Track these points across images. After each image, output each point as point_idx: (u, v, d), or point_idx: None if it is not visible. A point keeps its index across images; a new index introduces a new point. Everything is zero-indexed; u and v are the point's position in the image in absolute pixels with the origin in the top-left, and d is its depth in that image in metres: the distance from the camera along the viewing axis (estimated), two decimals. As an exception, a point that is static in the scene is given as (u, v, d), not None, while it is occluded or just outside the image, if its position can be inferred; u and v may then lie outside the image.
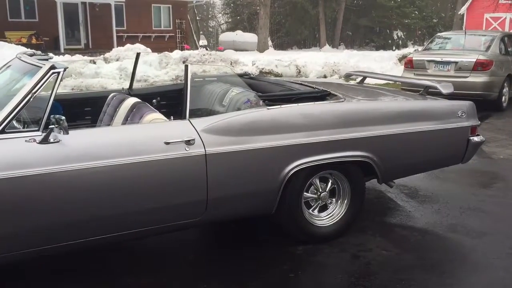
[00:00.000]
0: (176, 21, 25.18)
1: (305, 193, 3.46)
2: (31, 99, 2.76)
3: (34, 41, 19.09)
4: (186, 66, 3.29)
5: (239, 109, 3.53)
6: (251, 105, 3.42)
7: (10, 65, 3.46)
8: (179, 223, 3.13)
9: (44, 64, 2.88)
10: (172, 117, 3.50)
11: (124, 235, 3.02)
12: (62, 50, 18.75)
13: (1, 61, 12.02)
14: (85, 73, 11.40)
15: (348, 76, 5.93)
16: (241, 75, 4.69)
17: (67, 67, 2.98)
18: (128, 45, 14.40)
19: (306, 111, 3.38)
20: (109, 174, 2.81)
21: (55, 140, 2.71)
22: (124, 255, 3.42)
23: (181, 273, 3.15)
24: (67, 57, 14.57)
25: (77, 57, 15.01)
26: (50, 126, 2.68)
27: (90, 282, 3.02)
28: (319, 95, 3.71)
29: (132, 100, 3.70)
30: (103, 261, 3.31)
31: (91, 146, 2.82)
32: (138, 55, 4.56)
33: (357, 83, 5.21)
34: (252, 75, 5.09)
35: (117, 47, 16.90)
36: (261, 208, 3.35)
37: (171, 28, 25.23)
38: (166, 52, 13.09)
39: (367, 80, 5.04)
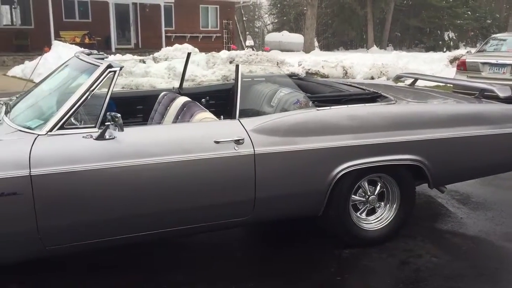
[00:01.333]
0: (223, 21, 25.45)
1: (353, 196, 3.42)
2: (89, 97, 2.86)
3: (87, 40, 19.79)
4: (237, 66, 3.32)
5: (288, 109, 3.53)
6: (300, 106, 3.42)
7: (68, 63, 3.60)
8: (227, 221, 3.16)
9: (102, 63, 2.98)
10: (222, 116, 3.54)
11: (172, 232, 3.08)
12: (113, 50, 19.31)
13: (57, 59, 12.49)
14: (135, 72, 11.70)
15: (398, 78, 5.82)
16: (289, 76, 4.69)
17: (123, 66, 3.07)
18: (176, 45, 14.67)
19: (356, 113, 3.33)
20: (160, 171, 2.88)
21: (111, 137, 2.80)
22: (171, 252, 3.48)
23: (228, 271, 3.18)
24: (118, 56, 14.99)
25: (128, 56, 15.42)
26: (106, 123, 2.77)
27: (135, 278, 3.09)
28: (370, 96, 3.66)
29: (182, 99, 3.77)
30: (149, 257, 3.39)
31: (144, 143, 2.90)
32: (189, 55, 4.65)
33: (407, 85, 5.09)
34: (300, 76, 5.07)
35: (165, 47, 17.28)
36: (308, 209, 3.34)
37: (218, 29, 25.52)
38: (214, 52, 13.25)
39: (418, 83, 4.92)
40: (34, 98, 3.37)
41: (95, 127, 2.82)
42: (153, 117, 4.10)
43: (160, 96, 4.17)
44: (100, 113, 2.84)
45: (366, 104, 3.48)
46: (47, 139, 2.71)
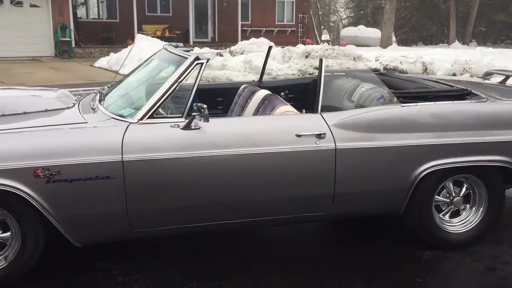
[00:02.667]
0: (299, 15, 25.31)
1: (436, 196, 3.29)
2: (177, 88, 2.97)
3: (167, 34, 20.46)
4: (321, 60, 3.30)
5: (369, 105, 3.47)
6: (384, 102, 3.34)
7: (157, 55, 3.75)
8: (305, 215, 3.17)
9: (190, 55, 3.08)
10: (304, 110, 3.54)
11: (249, 223, 3.14)
12: (191, 43, 19.87)
13: (139, 51, 12.98)
14: (212, 65, 11.97)
15: (487, 75, 5.50)
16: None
17: (210, 59, 3.15)
18: (252, 39, 14.81)
19: (444, 111, 3.21)
20: (242, 162, 2.93)
21: (196, 127, 2.89)
22: (247, 242, 3.54)
23: (304, 266, 3.18)
24: (196, 49, 15.37)
25: (205, 49, 15.78)
26: (193, 114, 2.86)
27: (221, 262, 3.18)
28: (458, 94, 3.50)
29: (263, 92, 3.81)
30: (225, 246, 3.47)
31: (228, 134, 2.97)
32: (270, 48, 4.68)
33: (498, 83, 4.81)
34: (381, 71, 4.95)
35: (241, 40, 17.51)
36: (389, 208, 3.26)
37: (293, 23, 25.43)
38: (290, 46, 13.25)
39: (509, 81, 4.62)
40: (125, 88, 3.55)
41: (181, 117, 2.93)
42: (233, 109, 4.18)
43: (240, 89, 4.24)
44: (186, 104, 2.94)
45: (455, 102, 3.33)
46: (138, 127, 2.85)
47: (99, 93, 3.51)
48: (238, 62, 11.82)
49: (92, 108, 3.18)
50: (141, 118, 2.87)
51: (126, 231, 2.91)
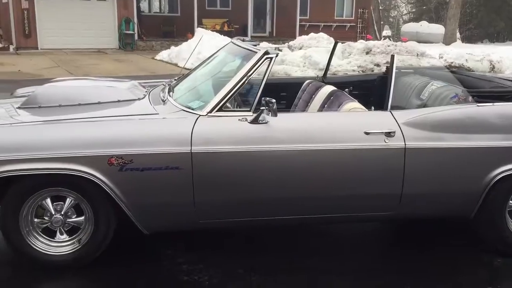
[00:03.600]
0: (359, 10, 24.85)
1: (511, 202, 3.14)
2: (246, 82, 2.99)
3: (226, 28, 20.68)
4: (392, 57, 3.22)
5: (441, 104, 3.35)
6: (458, 101, 3.22)
7: (224, 49, 3.79)
8: (370, 214, 3.11)
9: (259, 50, 3.09)
10: (373, 107, 3.47)
11: (313, 219, 3.12)
12: (249, 37, 19.95)
13: (199, 45, 13.18)
14: (271, 59, 11.94)
15: None
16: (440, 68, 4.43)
17: (278, 53, 3.14)
18: (312, 34, 14.67)
19: (523, 111, 3.05)
20: (308, 158, 2.92)
21: (263, 121, 2.90)
22: (310, 238, 3.53)
23: (364, 264, 3.14)
24: (264, 44, 15.45)
25: (264, 44, 15.81)
26: (261, 108, 2.87)
27: (282, 257, 3.18)
28: (539, 94, 3.32)
29: (329, 88, 3.76)
30: (287, 241, 3.47)
31: (295, 130, 2.96)
32: (336, 44, 4.62)
33: None
34: (452, 69, 4.77)
35: (299, 35, 17.40)
36: (458, 211, 3.15)
37: (353, 18, 24.99)
38: (350, 42, 13.03)
39: None
40: (194, 81, 3.62)
41: (249, 110, 2.94)
42: (297, 104, 4.15)
43: (304, 84, 4.21)
44: (255, 98, 2.96)
45: (536, 102, 3.16)
46: (207, 119, 2.90)
47: (168, 85, 3.60)
48: (297, 57, 11.74)
49: (162, 100, 3.25)
50: (210, 111, 2.92)
51: (193, 221, 2.98)
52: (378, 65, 10.74)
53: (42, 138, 2.78)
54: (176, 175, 2.82)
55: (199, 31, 16.00)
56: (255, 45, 3.51)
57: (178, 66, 13.65)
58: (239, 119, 2.91)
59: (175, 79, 3.87)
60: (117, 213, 2.89)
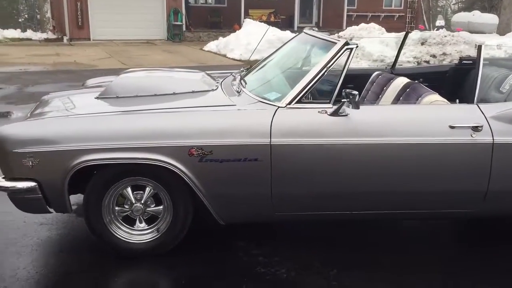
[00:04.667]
0: (408, 0, 24.19)
1: None
2: (325, 73, 2.93)
3: (272, 18, 20.59)
4: (479, 47, 3.08)
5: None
6: (548, 94, 3.05)
7: (296, 39, 3.73)
8: (452, 211, 3.01)
9: (339, 40, 3.01)
10: (457, 100, 3.34)
11: (393, 214, 3.05)
12: (295, 28, 19.79)
13: (247, 36, 13.17)
14: (321, 50, 11.78)
15: None
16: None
17: (358, 45, 3.06)
18: (362, 24, 14.41)
19: None
20: (389, 152, 2.84)
21: (343, 113, 2.83)
22: (385, 234, 3.45)
23: (433, 263, 3.04)
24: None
25: (312, 35, 15.61)
26: (342, 100, 2.80)
27: (358, 253, 3.13)
28: None
29: (403, 80, 3.65)
30: (361, 235, 3.41)
31: (375, 123, 2.88)
32: (406, 34, 4.49)
33: None
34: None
35: (346, 26, 17.09)
36: (547, 210, 3.00)
37: (402, 8, 24.38)
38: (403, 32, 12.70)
39: None
40: (267, 71, 3.58)
41: (329, 102, 2.88)
42: (365, 96, 4.06)
43: (373, 76, 4.11)
44: (335, 90, 2.89)
45: None
46: (286, 111, 2.86)
47: (239, 76, 3.57)
48: (349, 48, 11.54)
49: (237, 91, 3.23)
50: (289, 103, 2.87)
51: (269, 214, 2.96)
52: (434, 56, 10.40)
53: (125, 128, 2.82)
54: (255, 167, 2.80)
55: (247, 22, 15.97)
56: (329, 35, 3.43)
57: (227, 57, 13.70)
58: (318, 111, 2.86)
59: (244, 69, 3.84)
60: (196, 203, 2.91)
